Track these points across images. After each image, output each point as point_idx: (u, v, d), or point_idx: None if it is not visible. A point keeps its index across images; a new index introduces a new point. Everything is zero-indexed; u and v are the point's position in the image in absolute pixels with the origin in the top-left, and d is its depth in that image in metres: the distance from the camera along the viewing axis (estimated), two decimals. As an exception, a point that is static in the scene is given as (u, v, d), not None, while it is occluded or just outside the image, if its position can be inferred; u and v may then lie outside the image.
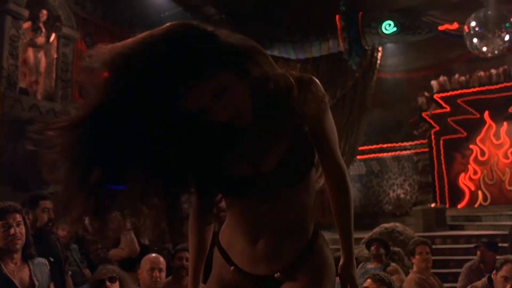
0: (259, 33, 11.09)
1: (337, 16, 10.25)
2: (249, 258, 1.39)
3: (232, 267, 1.42)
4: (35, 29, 8.04)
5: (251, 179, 1.29)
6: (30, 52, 7.93)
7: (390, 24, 9.81)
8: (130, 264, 4.32)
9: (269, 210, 1.34)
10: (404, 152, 12.25)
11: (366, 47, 10.58)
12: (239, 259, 1.41)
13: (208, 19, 10.65)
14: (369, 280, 2.51)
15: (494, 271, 3.12)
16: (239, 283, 1.43)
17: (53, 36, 8.32)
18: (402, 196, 12.27)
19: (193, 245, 1.51)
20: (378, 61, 11.52)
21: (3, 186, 7.22)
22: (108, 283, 2.78)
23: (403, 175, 12.42)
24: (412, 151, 12.19)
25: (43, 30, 8.12)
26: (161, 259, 3.66)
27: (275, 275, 1.37)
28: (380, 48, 11.38)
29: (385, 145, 12.50)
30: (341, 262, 1.44)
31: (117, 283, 2.83)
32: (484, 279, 3.22)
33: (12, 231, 2.50)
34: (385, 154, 12.60)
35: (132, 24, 10.54)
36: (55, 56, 8.36)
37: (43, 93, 8.13)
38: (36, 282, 2.57)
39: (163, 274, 3.58)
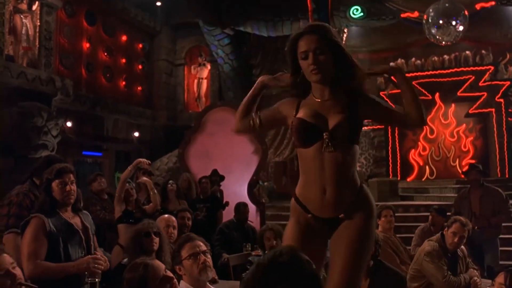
0: (233, 10, 11.55)
1: (308, -2, 10.77)
2: (320, 206, 2.00)
3: (309, 215, 2.02)
4: (18, -3, 8.15)
5: (321, 131, 1.96)
6: (17, 18, 8.02)
7: (357, 9, 10.50)
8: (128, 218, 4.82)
9: (333, 162, 1.95)
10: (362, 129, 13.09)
11: (334, 29, 11.23)
12: (312, 208, 2.03)
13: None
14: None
15: (446, 228, 3.95)
16: (312, 225, 2.05)
17: (36, 4, 8.44)
18: (358, 169, 13.18)
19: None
20: (343, 42, 12.22)
21: (-9, 150, 7.45)
22: (153, 236, 3.12)
23: (360, 149, 13.32)
24: (369, 127, 12.89)
25: (26, -3, 8.23)
26: (173, 218, 4.24)
27: (340, 216, 1.99)
28: (345, 30, 12.08)
29: (344, 121, 13.23)
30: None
31: (158, 238, 3.17)
32: (438, 235, 4.04)
33: (67, 188, 2.93)
34: (344, 130, 13.36)
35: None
36: (38, 24, 8.50)
37: (27, 61, 8.30)
38: (88, 225, 3.05)
39: (176, 231, 4.15)
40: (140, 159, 4.94)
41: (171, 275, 2.18)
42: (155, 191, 4.88)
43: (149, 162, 5.14)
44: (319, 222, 2.03)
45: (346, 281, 1.90)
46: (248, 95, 2.26)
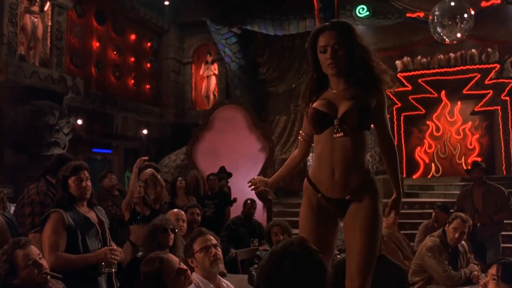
0: (241, 9, 11.67)
1: (315, -3, 10.87)
2: (329, 186, 2.21)
3: (319, 194, 2.24)
4: (30, -2, 8.32)
5: (332, 118, 2.17)
6: (28, 19, 8.19)
7: (363, 8, 10.58)
8: (136, 218, 4.96)
9: (342, 146, 2.15)
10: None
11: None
12: (322, 188, 2.24)
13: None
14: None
15: (447, 224, 4.08)
16: (322, 204, 2.26)
17: (47, 4, 8.61)
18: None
19: (285, 166, 2.53)
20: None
21: (6, 148, 7.65)
22: (170, 232, 3.30)
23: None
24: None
25: (38, -1, 8.41)
26: (183, 212, 4.40)
27: (347, 197, 2.20)
28: (351, 29, 12.14)
29: (350, 119, 13.30)
30: (393, 196, 2.35)
31: (174, 235, 3.35)
32: (439, 230, 4.16)
33: (84, 184, 3.08)
34: (350, 127, 13.43)
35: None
36: (50, 24, 8.67)
37: (39, 60, 8.48)
38: (103, 219, 3.21)
39: (185, 224, 4.31)
40: (140, 158, 5.09)
41: (185, 267, 2.32)
42: (136, 180, 4.93)
43: (147, 157, 5.25)
44: (328, 202, 2.24)
45: (365, 260, 2.13)
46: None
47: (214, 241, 2.78)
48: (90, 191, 3.18)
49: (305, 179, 2.34)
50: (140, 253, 3.36)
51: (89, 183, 3.17)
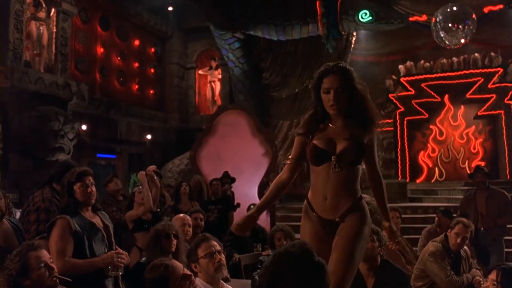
0: (244, 15, 11.74)
1: (317, 2, 10.94)
2: (322, 208, 2.46)
3: (314, 214, 2.48)
4: (36, 5, 8.41)
5: (330, 155, 2.38)
6: (33, 25, 8.28)
7: (366, 13, 10.61)
8: (142, 225, 4.99)
9: (336, 178, 2.39)
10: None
11: (343, 33, 11.36)
12: (317, 208, 2.48)
13: (197, 0, 11.15)
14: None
15: (449, 230, 4.09)
16: (317, 222, 2.48)
17: (52, 11, 8.70)
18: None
19: (270, 192, 2.58)
20: (352, 45, 12.35)
21: (11, 153, 7.71)
22: (172, 238, 3.33)
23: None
24: (378, 129, 12.94)
25: (44, 5, 8.49)
26: (188, 217, 4.43)
27: (336, 219, 2.42)
28: (354, 33, 12.20)
29: (353, 123, 13.29)
30: (386, 225, 2.60)
31: (176, 240, 3.36)
32: (442, 236, 4.18)
33: (89, 189, 3.11)
34: (353, 131, 13.41)
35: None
36: (55, 30, 8.75)
37: (44, 66, 8.56)
38: (108, 224, 3.24)
39: (191, 229, 4.33)
40: (149, 169, 5.12)
41: (190, 273, 2.35)
42: (149, 192, 4.95)
43: (155, 166, 5.30)
44: (321, 221, 2.47)
45: (339, 277, 2.24)
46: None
47: (218, 247, 2.81)
48: (95, 196, 3.21)
49: (305, 200, 2.57)
50: (143, 259, 3.39)
51: (94, 188, 3.21)
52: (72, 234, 2.95)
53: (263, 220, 7.69)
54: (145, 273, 2.35)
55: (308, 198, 2.55)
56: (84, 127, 9.77)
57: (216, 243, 2.82)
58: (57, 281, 2.38)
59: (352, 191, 2.44)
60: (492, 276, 2.58)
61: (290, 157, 2.61)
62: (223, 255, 2.81)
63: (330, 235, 2.43)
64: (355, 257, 2.33)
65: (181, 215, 4.43)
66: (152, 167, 5.13)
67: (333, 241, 2.39)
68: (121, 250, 3.12)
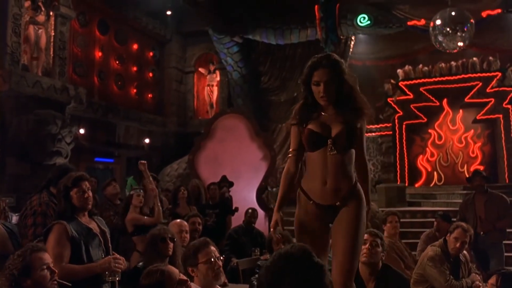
0: (243, 18, 11.74)
1: (316, 6, 10.95)
2: (321, 194, 2.49)
3: (311, 202, 2.51)
4: (35, 8, 8.40)
5: (326, 138, 2.46)
6: (31, 29, 8.27)
7: (364, 17, 10.63)
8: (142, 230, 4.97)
9: (334, 161, 2.46)
10: (369, 134, 12.76)
11: (341, 37, 11.36)
12: (314, 196, 2.51)
13: (195, 4, 11.15)
14: (366, 234, 3.35)
15: (448, 234, 4.06)
16: (314, 210, 2.52)
17: (50, 14, 8.68)
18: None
19: (283, 187, 2.65)
20: (351, 49, 12.36)
21: (9, 157, 7.68)
22: (169, 242, 3.30)
23: (368, 155, 13.20)
24: (377, 133, 12.88)
25: (43, 8, 8.48)
26: (185, 223, 4.39)
27: (337, 203, 2.48)
28: (353, 37, 12.20)
29: (352, 127, 13.28)
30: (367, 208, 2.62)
31: (173, 244, 3.34)
32: (441, 240, 4.15)
33: (86, 195, 3.08)
34: (352, 136, 13.40)
35: (121, 3, 10.95)
36: (53, 34, 8.74)
37: (42, 70, 8.54)
38: (105, 229, 3.20)
39: (188, 235, 4.30)
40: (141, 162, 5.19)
41: (186, 278, 2.32)
42: (159, 204, 4.98)
43: (144, 162, 5.38)
44: (320, 208, 2.52)
45: (348, 259, 2.41)
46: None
47: (217, 253, 2.79)
48: (92, 201, 3.19)
49: (298, 188, 2.63)
50: (140, 263, 3.36)
51: (90, 193, 3.18)
52: (69, 240, 2.92)
53: (262, 224, 7.67)
54: (140, 279, 2.32)
55: (302, 187, 2.58)
56: (82, 131, 9.74)
57: (215, 249, 2.80)
58: (57, 285, 2.36)
59: (350, 174, 2.53)
60: (492, 281, 2.56)
61: (290, 149, 2.67)
62: (221, 261, 2.79)
63: (326, 222, 2.53)
64: (359, 244, 2.49)
65: (178, 220, 4.39)
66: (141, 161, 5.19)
67: (332, 227, 2.51)
68: (118, 256, 3.09)
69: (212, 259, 2.72)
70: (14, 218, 5.01)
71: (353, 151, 2.53)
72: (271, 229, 2.67)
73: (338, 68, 2.48)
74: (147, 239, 3.36)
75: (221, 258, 2.82)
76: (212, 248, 2.79)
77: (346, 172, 2.50)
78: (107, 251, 3.15)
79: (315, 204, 2.51)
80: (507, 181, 10.99)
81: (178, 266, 2.89)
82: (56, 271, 2.40)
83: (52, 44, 8.73)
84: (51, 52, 8.72)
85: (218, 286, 2.78)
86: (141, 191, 5.23)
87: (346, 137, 2.46)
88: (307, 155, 2.58)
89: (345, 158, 2.49)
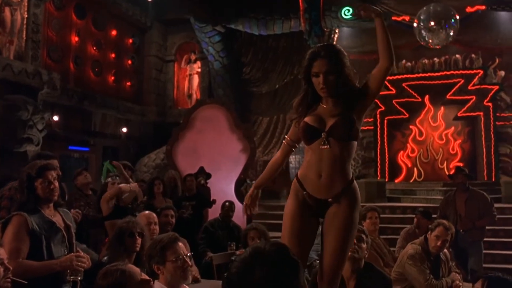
0: (225, 7, 11.50)
1: (300, -2, 10.77)
2: (315, 186, 2.43)
3: (305, 192, 2.46)
4: (7, -12, 8.03)
5: (320, 131, 2.38)
6: (7, 11, 7.89)
7: (349, 10, 10.51)
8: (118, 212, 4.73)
9: (329, 155, 2.38)
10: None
11: (325, 29, 11.21)
12: (309, 187, 2.45)
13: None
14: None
15: (429, 232, 3.95)
16: (307, 201, 2.47)
17: (24, -4, 8.32)
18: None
19: (266, 171, 2.70)
20: (334, 43, 12.22)
21: (-24, 143, 7.34)
22: (137, 237, 3.07)
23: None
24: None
25: (16, -11, 8.11)
26: (154, 215, 4.19)
27: (329, 199, 2.42)
28: (337, 30, 12.07)
29: (333, 122, 13.23)
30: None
31: (141, 239, 3.11)
32: (421, 238, 4.04)
33: (52, 186, 2.89)
34: (333, 130, 13.36)
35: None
36: (26, 16, 8.37)
37: (14, 53, 8.18)
38: (70, 223, 3.00)
39: (157, 227, 4.10)
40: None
41: (148, 278, 2.14)
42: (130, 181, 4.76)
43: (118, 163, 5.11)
44: (312, 200, 2.47)
45: (337, 258, 2.40)
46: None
47: (186, 251, 2.61)
48: (58, 193, 2.98)
49: (294, 178, 2.56)
50: (105, 258, 3.15)
51: (56, 184, 2.97)
52: (28, 233, 2.72)
53: (240, 217, 7.50)
54: (97, 279, 2.11)
55: (298, 176, 2.54)
56: (56, 118, 9.40)
57: (184, 245, 2.61)
58: (10, 283, 2.15)
59: (347, 170, 2.45)
60: (478, 285, 2.43)
61: (286, 136, 2.68)
62: (191, 259, 2.61)
63: (316, 215, 2.50)
64: (348, 246, 2.45)
65: (146, 212, 4.18)
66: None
67: (323, 224, 2.47)
68: (82, 253, 2.86)
69: (182, 257, 2.54)
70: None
71: (353, 144, 2.44)
72: (244, 203, 2.68)
73: (337, 58, 2.40)
74: (114, 232, 3.14)
75: (190, 255, 2.62)
76: (181, 244, 2.61)
77: (342, 168, 2.41)
78: (71, 248, 2.93)
79: (308, 195, 2.46)
80: (486, 179, 11.04)
81: (145, 262, 2.70)
82: (11, 267, 2.19)
83: (25, 26, 8.35)
84: (24, 35, 8.35)
85: (185, 286, 2.60)
86: (117, 178, 5.00)
87: (341, 129, 2.37)
88: (305, 148, 2.54)
89: (340, 153, 2.39)
